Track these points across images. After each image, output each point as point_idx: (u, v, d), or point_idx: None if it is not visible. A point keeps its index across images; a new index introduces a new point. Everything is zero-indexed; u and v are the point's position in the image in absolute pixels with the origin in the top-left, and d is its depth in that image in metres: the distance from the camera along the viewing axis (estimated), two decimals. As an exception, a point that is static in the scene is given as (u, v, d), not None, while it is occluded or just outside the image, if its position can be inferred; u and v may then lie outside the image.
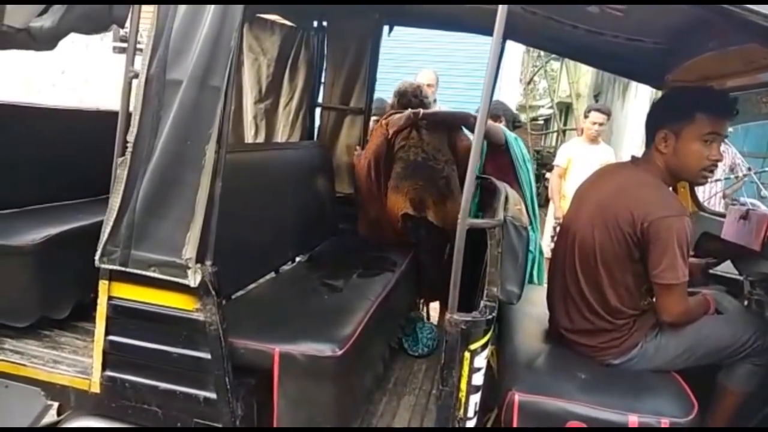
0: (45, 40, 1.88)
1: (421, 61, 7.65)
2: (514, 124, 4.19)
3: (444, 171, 3.22)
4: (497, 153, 3.66)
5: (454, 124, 3.40)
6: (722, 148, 4.89)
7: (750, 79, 2.22)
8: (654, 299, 2.07)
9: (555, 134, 15.13)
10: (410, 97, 3.34)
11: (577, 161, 5.13)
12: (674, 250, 1.90)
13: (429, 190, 3.17)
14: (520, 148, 3.75)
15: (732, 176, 4.65)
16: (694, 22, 2.05)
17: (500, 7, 1.56)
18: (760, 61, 1.94)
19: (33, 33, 1.84)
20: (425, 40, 8.32)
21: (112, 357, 1.88)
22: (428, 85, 4.38)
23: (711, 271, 2.55)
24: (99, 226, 1.82)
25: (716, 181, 4.54)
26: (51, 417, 2.26)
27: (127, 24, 1.89)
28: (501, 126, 3.84)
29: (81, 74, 8.66)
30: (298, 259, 3.08)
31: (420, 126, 3.26)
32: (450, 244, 3.15)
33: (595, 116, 5.18)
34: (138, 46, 1.84)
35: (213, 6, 1.70)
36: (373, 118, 3.80)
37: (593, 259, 2.05)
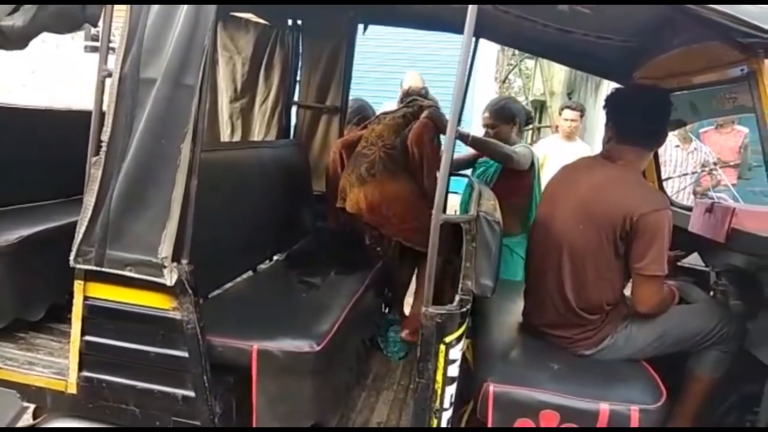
0: (16, 39, 1.86)
1: (406, 60, 7.65)
2: (527, 122, 3.64)
3: (372, 155, 2.96)
4: (513, 173, 3.28)
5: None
6: (694, 145, 5.04)
7: (714, 75, 2.28)
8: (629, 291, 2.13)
9: (530, 131, 15.26)
10: (415, 96, 3.25)
11: (553, 158, 5.20)
12: (662, 243, 1.97)
13: (349, 178, 2.99)
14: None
15: (699, 171, 4.78)
16: (659, 20, 2.11)
17: (470, 6, 1.60)
18: (722, 58, 2.00)
19: (4, 32, 1.82)
20: (410, 39, 8.30)
21: (89, 357, 1.87)
22: None
23: (679, 264, 2.62)
24: (73, 226, 1.81)
25: (684, 175, 4.66)
26: (26, 420, 2.24)
27: (100, 23, 1.88)
28: (529, 148, 3.41)
29: (52, 74, 8.51)
30: (275, 257, 3.08)
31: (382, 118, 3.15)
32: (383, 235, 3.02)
33: (568, 113, 5.28)
34: (111, 45, 1.84)
35: (186, 5, 1.71)
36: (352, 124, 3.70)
37: (580, 259, 2.08)
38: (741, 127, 5.69)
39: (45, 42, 7.79)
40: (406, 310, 3.40)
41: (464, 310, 1.70)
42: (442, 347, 1.65)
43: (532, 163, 3.34)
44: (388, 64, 8.14)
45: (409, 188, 2.91)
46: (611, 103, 2.22)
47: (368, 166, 2.93)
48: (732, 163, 5.37)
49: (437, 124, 2.92)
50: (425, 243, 2.74)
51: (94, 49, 8.29)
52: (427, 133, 2.91)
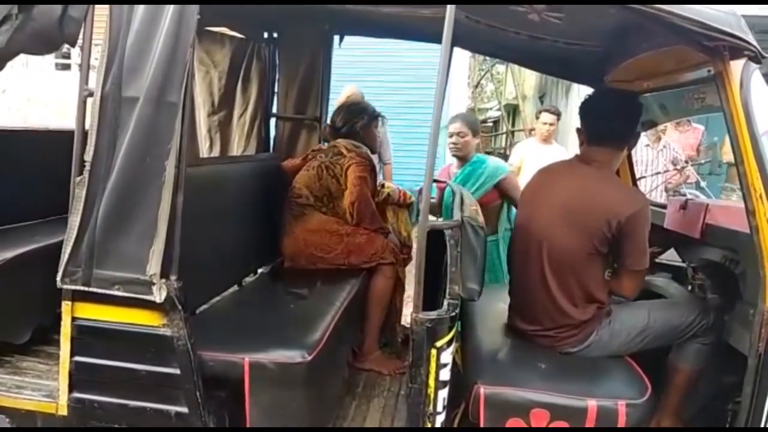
0: (-6, 61, 1.85)
1: (378, 70, 7.68)
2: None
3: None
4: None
5: None
6: (663, 143, 5.15)
7: (682, 77, 2.36)
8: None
9: (504, 136, 15.49)
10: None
11: (530, 161, 5.28)
12: (644, 237, 2.09)
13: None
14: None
15: (671, 169, 4.89)
16: (627, 25, 2.18)
17: (447, 13, 1.63)
18: (689, 60, 2.08)
19: (-20, 54, 1.81)
20: (378, 48, 8.33)
21: (79, 378, 1.86)
22: None
23: (657, 260, 2.69)
24: (57, 247, 1.80)
25: (656, 174, 4.77)
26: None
27: (78, 41, 1.88)
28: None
29: (23, 93, 8.37)
30: (260, 270, 3.09)
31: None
32: None
33: (546, 117, 5.39)
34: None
35: (167, 22, 1.72)
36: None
37: (565, 260, 2.13)
38: (697, 125, 5.89)
39: (14, 61, 7.68)
40: None
41: (453, 314, 1.73)
42: (434, 351, 1.67)
43: None
44: (365, 74, 8.17)
45: (318, 219, 2.95)
46: (583, 108, 2.29)
47: (282, 221, 3.02)
48: (703, 161, 5.53)
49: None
50: (363, 258, 2.85)
51: (65, 67, 8.19)
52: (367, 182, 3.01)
